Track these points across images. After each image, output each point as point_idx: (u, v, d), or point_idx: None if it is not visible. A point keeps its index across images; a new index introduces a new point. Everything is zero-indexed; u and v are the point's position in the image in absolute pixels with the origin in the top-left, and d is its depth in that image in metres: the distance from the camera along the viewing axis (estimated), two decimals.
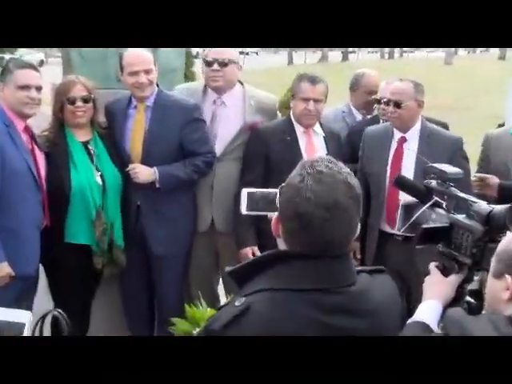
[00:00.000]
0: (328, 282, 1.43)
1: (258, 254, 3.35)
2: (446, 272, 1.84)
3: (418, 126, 3.51)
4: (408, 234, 3.32)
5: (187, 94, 3.74)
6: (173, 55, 4.04)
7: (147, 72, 3.39)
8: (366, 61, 43.53)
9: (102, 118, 3.51)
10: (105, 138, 3.45)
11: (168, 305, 3.54)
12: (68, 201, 3.27)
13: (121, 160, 3.47)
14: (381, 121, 3.95)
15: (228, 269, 1.52)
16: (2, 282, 3.05)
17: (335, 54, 47.26)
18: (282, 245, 1.51)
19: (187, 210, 3.61)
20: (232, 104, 3.75)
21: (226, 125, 3.69)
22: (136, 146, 3.47)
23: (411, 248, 3.34)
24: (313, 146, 3.60)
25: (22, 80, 3.11)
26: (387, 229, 3.51)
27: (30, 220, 3.17)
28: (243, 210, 2.02)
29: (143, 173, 3.41)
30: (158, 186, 3.42)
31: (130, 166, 3.40)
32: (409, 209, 2.01)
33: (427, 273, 1.89)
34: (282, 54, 48.77)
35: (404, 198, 3.26)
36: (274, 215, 1.76)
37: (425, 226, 1.87)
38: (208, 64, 3.66)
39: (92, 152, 3.39)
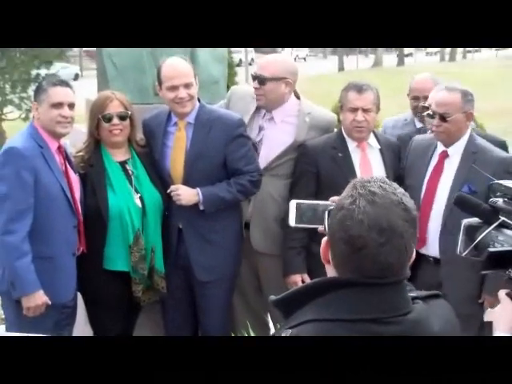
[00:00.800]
0: (381, 311, 1.41)
1: (308, 281, 3.29)
2: None
3: (463, 140, 3.37)
4: (436, 257, 3.33)
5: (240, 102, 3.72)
6: (213, 65, 4.05)
7: (187, 86, 3.35)
8: (424, 64, 43.06)
9: (140, 136, 3.52)
10: (143, 157, 3.45)
11: (212, 334, 3.51)
12: (105, 225, 3.28)
13: (161, 180, 3.48)
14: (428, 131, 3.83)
15: (272, 298, 1.51)
16: (38, 311, 3.09)
17: (390, 58, 46.98)
18: (330, 272, 1.50)
19: (232, 233, 3.58)
20: (282, 120, 3.70)
21: (270, 141, 3.66)
22: (177, 165, 3.46)
23: (440, 271, 3.31)
24: (368, 162, 3.52)
25: (56, 98, 3.16)
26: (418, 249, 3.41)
27: (65, 246, 3.21)
28: (291, 222, 2.01)
29: (186, 194, 3.39)
30: (201, 208, 3.40)
31: (172, 188, 3.39)
32: (472, 230, 1.95)
33: (496, 302, 1.84)
34: (332, 59, 48.74)
35: (435, 217, 3.31)
36: (323, 228, 1.75)
37: (491, 249, 1.81)
38: (252, 79, 3.68)
39: (130, 173, 3.40)
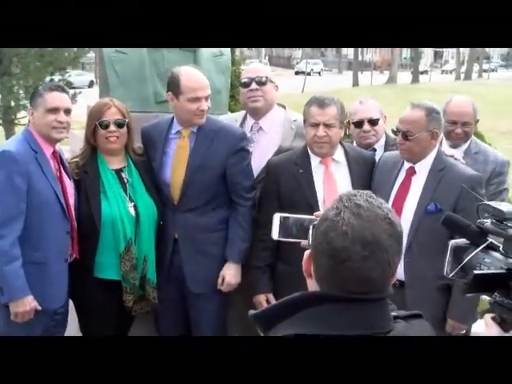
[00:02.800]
0: (363, 328, 1.38)
1: (273, 301, 3.24)
2: (505, 326, 1.73)
3: (430, 157, 3.28)
4: (401, 279, 3.21)
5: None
6: (216, 76, 4.04)
7: (207, 98, 3.36)
8: (439, 82, 43.06)
9: (137, 145, 3.50)
10: (140, 165, 3.43)
11: None
12: (98, 232, 3.26)
13: (158, 189, 3.46)
14: None
15: (252, 312, 1.47)
16: (26, 316, 3.07)
17: (404, 75, 47.04)
18: (312, 286, 1.47)
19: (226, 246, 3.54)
20: (270, 129, 3.74)
21: (261, 151, 3.65)
22: (178, 174, 3.43)
23: (405, 294, 3.21)
24: (332, 178, 3.41)
25: (52, 103, 3.15)
26: None
27: (58, 252, 3.19)
28: (275, 235, 2.01)
29: (234, 277, 3.45)
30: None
31: (222, 287, 3.45)
32: (459, 251, 1.90)
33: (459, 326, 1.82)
34: (347, 74, 48.90)
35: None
36: (306, 243, 1.76)
37: (477, 271, 1.75)
38: (245, 85, 3.70)
39: (125, 181, 3.38)
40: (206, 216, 3.46)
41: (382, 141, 3.79)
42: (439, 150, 3.32)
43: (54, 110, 3.13)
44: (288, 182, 3.38)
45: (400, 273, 3.22)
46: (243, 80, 3.72)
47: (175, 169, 3.44)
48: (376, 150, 3.75)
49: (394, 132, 3.33)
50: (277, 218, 2.03)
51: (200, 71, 3.42)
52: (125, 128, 3.31)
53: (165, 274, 3.48)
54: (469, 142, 3.89)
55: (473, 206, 2.56)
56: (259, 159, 3.59)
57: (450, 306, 3.24)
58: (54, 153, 3.23)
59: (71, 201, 3.25)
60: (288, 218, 2.01)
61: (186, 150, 3.44)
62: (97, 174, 3.32)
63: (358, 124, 3.77)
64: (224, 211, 3.51)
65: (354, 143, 3.85)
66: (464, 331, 1.95)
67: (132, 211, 3.32)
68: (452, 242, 1.92)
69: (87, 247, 3.28)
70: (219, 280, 3.44)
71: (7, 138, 16.69)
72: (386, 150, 3.70)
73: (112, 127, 3.27)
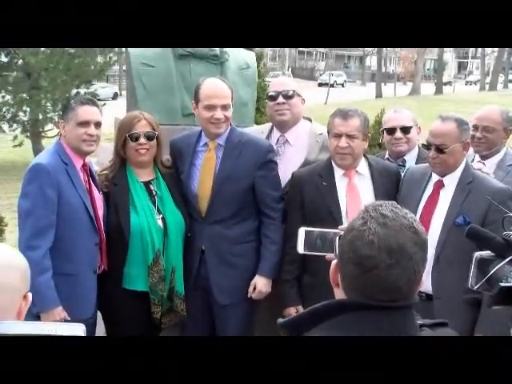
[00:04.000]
0: (390, 335, 1.40)
1: None
2: None
3: (459, 170, 3.24)
4: (428, 293, 3.19)
5: None
6: (242, 88, 4.07)
7: (225, 107, 3.36)
8: (463, 93, 42.68)
9: (165, 157, 3.53)
10: (168, 178, 3.46)
11: None
12: (127, 244, 3.29)
13: (186, 200, 3.48)
14: None
15: (280, 321, 1.50)
16: None
17: (428, 87, 46.75)
18: (339, 295, 1.50)
19: (254, 256, 3.55)
20: (296, 142, 3.75)
21: (286, 164, 3.66)
22: (205, 186, 3.45)
23: (433, 307, 3.16)
24: (355, 190, 3.40)
25: (83, 116, 3.19)
26: None
27: (87, 263, 3.22)
28: (300, 249, 2.01)
29: (264, 289, 3.47)
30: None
31: (253, 295, 3.47)
32: (484, 263, 1.89)
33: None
34: (370, 85, 48.80)
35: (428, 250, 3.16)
36: (331, 256, 1.79)
37: (503, 284, 1.75)
38: (272, 98, 3.72)
39: (154, 193, 3.40)
40: (232, 228, 3.47)
41: (415, 153, 3.79)
42: (467, 163, 3.29)
43: (85, 124, 3.18)
44: (311, 194, 3.39)
45: (427, 286, 3.20)
46: (270, 93, 3.74)
47: (202, 181, 3.46)
48: (406, 162, 3.74)
49: (425, 146, 3.30)
50: (302, 231, 2.04)
51: (225, 83, 3.44)
52: (154, 141, 3.34)
53: (191, 284, 3.49)
54: (503, 153, 3.84)
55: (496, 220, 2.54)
56: (285, 172, 3.59)
57: (478, 320, 3.18)
58: (84, 165, 3.27)
59: (100, 213, 3.29)
60: (313, 231, 2.02)
61: (212, 161, 3.46)
62: (126, 187, 3.35)
63: (391, 131, 3.78)
64: (251, 223, 3.53)
65: (387, 153, 3.87)
66: None
67: (160, 223, 3.34)
68: (477, 255, 1.92)
69: (116, 259, 3.30)
70: (250, 288, 3.46)
71: (34, 150, 16.97)
72: (417, 162, 3.69)
73: (142, 139, 3.30)
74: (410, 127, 3.77)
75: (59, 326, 1.57)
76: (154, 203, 3.38)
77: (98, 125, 3.22)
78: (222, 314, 3.52)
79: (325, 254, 2.02)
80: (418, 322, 1.50)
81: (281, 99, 3.68)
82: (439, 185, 3.29)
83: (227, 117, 3.38)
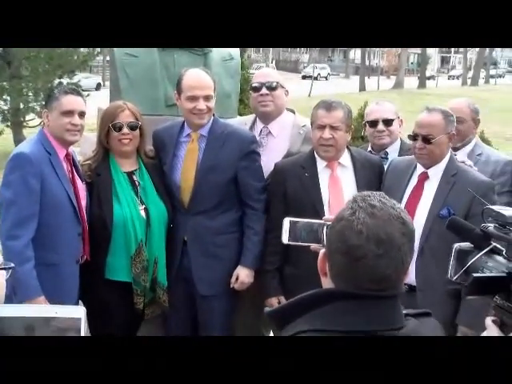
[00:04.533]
0: (377, 324, 1.42)
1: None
2: (505, 328, 1.76)
3: (444, 162, 3.29)
4: (412, 284, 3.23)
5: None
6: (225, 80, 4.07)
7: (207, 98, 3.36)
8: (446, 87, 42.92)
9: (149, 148, 3.52)
10: (151, 168, 3.46)
11: None
12: (110, 235, 3.29)
13: (169, 191, 3.49)
14: None
15: (267, 309, 1.52)
16: None
17: (411, 80, 46.96)
18: (327, 285, 1.51)
19: (236, 247, 3.56)
20: (279, 133, 3.77)
21: (269, 156, 3.66)
22: (188, 176, 3.46)
23: (416, 298, 3.22)
24: (337, 181, 3.43)
25: (67, 106, 3.18)
26: None
27: (69, 253, 3.22)
28: (284, 239, 2.02)
29: (246, 279, 3.48)
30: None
31: (235, 285, 3.48)
32: (463, 254, 1.92)
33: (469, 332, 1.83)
34: (354, 79, 48.87)
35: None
36: (316, 246, 1.81)
37: (477, 274, 1.78)
38: (255, 89, 3.72)
39: (137, 183, 3.40)
40: (215, 219, 3.48)
41: (397, 145, 3.83)
42: (451, 156, 3.33)
43: (69, 113, 3.17)
44: (294, 185, 3.41)
45: (411, 277, 3.24)
46: (254, 84, 3.74)
47: (185, 171, 3.47)
48: (388, 154, 3.78)
49: (412, 137, 3.32)
50: (286, 222, 2.04)
51: (208, 74, 3.44)
52: (137, 131, 3.33)
53: (174, 276, 3.50)
54: (473, 143, 3.91)
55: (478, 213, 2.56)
56: (268, 163, 3.60)
57: (459, 311, 3.24)
58: (67, 155, 3.26)
59: (83, 203, 3.28)
60: (297, 222, 2.02)
61: (195, 152, 3.46)
62: (109, 177, 3.34)
63: (373, 124, 3.81)
64: (233, 214, 3.54)
65: (369, 145, 3.91)
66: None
67: (143, 214, 3.34)
68: (456, 246, 1.94)
69: (98, 249, 3.30)
70: (233, 278, 3.47)
71: (15, 140, 16.79)
72: (400, 155, 3.73)
73: (125, 129, 3.29)
74: (392, 120, 3.80)
75: (59, 308, 1.56)
76: (136, 194, 3.37)
77: (82, 115, 3.20)
78: (204, 305, 3.53)
79: (309, 244, 2.04)
80: (403, 311, 1.51)
81: (264, 90, 3.68)
82: (424, 177, 3.32)
83: (210, 108, 3.38)
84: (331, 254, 1.47)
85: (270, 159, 3.62)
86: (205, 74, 3.41)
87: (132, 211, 3.31)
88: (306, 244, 2.06)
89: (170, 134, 3.52)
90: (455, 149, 3.85)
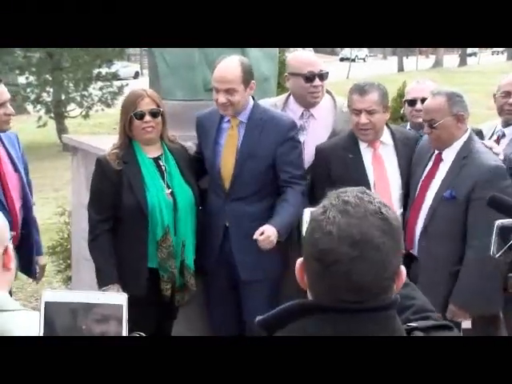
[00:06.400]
0: None
1: None
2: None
3: (458, 144, 3.24)
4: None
5: None
6: (264, 62, 4.02)
7: (228, 91, 3.29)
8: (489, 64, 41.87)
9: (171, 132, 3.49)
10: (175, 152, 3.43)
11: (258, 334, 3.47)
12: (147, 221, 3.28)
13: (211, 178, 3.50)
14: None
15: (258, 318, 1.36)
16: None
17: (451, 58, 45.97)
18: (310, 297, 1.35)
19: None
20: (321, 115, 3.72)
21: (314, 138, 3.63)
22: (228, 162, 3.44)
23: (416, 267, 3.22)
24: (381, 160, 3.43)
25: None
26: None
27: None
28: (304, 230, 1.95)
29: (270, 238, 3.21)
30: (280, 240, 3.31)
31: (257, 233, 3.22)
32: (505, 231, 1.89)
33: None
34: (392, 59, 48.14)
35: (421, 220, 3.25)
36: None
37: None
38: (308, 79, 3.61)
39: (163, 169, 3.38)
40: (255, 205, 3.45)
41: None
42: (469, 137, 3.26)
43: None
44: (338, 167, 3.40)
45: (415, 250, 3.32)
46: (306, 74, 3.60)
47: (225, 158, 3.45)
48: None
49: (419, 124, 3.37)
50: (307, 212, 2.00)
51: (242, 64, 3.35)
52: (159, 117, 3.30)
53: (215, 261, 3.50)
54: None
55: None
56: (313, 145, 3.57)
57: (454, 291, 3.21)
58: None
59: (14, 194, 3.37)
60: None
61: (235, 139, 3.44)
62: (137, 164, 3.33)
63: (412, 102, 3.77)
64: (272, 200, 3.49)
65: (408, 124, 3.88)
66: (461, 320, 1.87)
67: (170, 198, 3.33)
68: (498, 223, 1.90)
69: (139, 237, 3.29)
70: (258, 232, 3.23)
71: (58, 130, 17.10)
72: None
73: (147, 117, 3.26)
74: None
75: (101, 294, 1.51)
76: (163, 178, 3.36)
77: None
78: (246, 291, 3.51)
79: None
80: (413, 324, 1.36)
81: (317, 81, 3.61)
82: (438, 159, 3.31)
83: (231, 101, 3.31)
84: (306, 262, 1.29)
85: (315, 141, 3.59)
86: (233, 67, 3.32)
87: (160, 196, 3.30)
88: None
89: (212, 121, 3.51)
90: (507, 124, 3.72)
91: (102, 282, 3.29)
